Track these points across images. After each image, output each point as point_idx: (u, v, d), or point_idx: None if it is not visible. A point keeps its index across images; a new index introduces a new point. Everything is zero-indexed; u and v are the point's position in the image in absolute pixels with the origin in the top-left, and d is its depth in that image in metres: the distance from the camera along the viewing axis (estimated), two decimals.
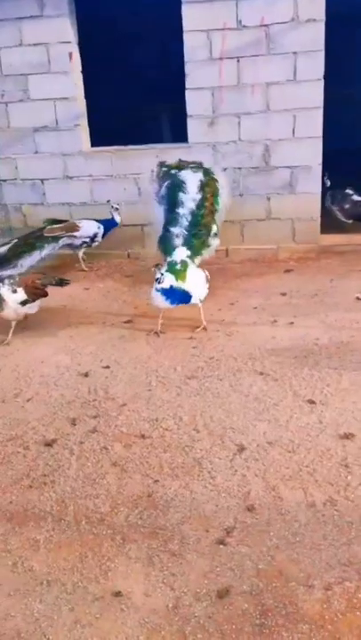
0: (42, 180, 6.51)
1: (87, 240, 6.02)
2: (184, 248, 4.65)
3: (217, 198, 5.16)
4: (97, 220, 6.06)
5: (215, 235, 5.01)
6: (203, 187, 5.16)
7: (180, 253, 4.56)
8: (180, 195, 5.08)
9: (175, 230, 4.86)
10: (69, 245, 6.01)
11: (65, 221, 5.98)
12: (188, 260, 4.52)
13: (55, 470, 2.90)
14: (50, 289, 4.60)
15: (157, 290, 4.24)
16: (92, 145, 6.45)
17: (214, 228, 4.99)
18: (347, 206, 6.37)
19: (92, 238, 6.02)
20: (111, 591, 2.18)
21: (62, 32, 6.00)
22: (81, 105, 6.27)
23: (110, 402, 3.50)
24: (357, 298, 4.90)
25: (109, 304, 5.24)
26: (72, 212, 6.47)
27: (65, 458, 2.99)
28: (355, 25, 8.46)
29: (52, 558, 2.36)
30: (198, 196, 5.08)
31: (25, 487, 2.79)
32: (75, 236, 5.93)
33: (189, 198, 5.04)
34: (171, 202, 5.08)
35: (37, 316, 4.90)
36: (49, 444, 3.10)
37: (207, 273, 4.59)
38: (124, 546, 2.39)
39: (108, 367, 3.95)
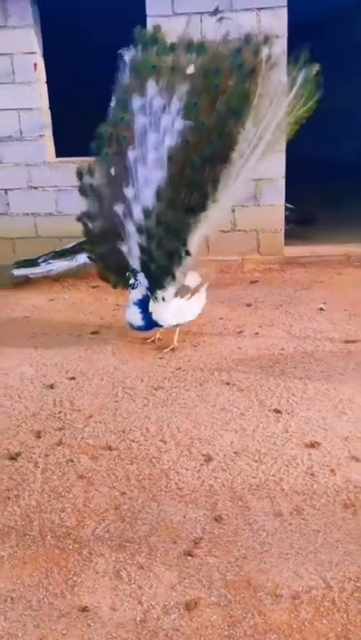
0: (5, 191, 6.43)
1: None
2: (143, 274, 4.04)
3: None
4: None
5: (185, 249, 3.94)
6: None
7: (136, 291, 4.03)
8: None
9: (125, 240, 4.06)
10: None
11: None
12: (148, 293, 4.07)
13: (19, 484, 2.84)
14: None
15: (134, 303, 4.05)
16: (57, 155, 6.42)
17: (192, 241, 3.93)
18: (286, 213, 6.65)
19: None
20: (78, 606, 2.14)
21: (27, 42, 5.97)
22: (45, 115, 6.24)
23: (76, 414, 3.46)
24: (321, 308, 4.98)
25: (75, 315, 5.20)
26: (37, 223, 6.41)
27: (30, 471, 2.94)
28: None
29: (16, 574, 2.30)
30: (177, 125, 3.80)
31: None
32: None
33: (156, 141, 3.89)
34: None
35: (0, 327, 4.84)
36: (13, 458, 3.04)
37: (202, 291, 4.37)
38: (90, 560, 2.36)
39: (73, 378, 3.90)
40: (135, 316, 4.07)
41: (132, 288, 4.03)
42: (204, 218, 3.93)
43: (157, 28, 4.14)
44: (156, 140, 3.90)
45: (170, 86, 3.85)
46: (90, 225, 4.23)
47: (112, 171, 4.07)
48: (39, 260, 5.46)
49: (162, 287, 4.07)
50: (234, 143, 3.81)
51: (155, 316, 4.09)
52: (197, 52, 3.87)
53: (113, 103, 4.10)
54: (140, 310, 4.06)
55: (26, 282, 5.85)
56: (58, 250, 5.66)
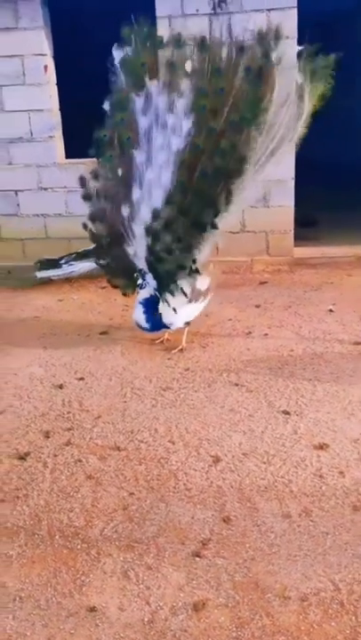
0: (16, 192, 6.47)
1: None
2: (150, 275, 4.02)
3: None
4: None
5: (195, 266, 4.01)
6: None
7: (144, 291, 4.02)
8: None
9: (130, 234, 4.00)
10: None
11: None
12: (157, 294, 4.05)
13: (28, 484, 2.85)
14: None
15: (141, 303, 4.04)
16: (67, 156, 6.45)
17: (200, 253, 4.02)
18: None
19: None
20: (86, 606, 2.14)
21: (37, 44, 6.00)
22: (55, 117, 6.27)
23: (85, 414, 3.47)
24: (330, 310, 4.96)
25: (84, 315, 5.21)
26: (47, 224, 6.44)
27: (38, 471, 2.95)
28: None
29: (24, 574, 2.31)
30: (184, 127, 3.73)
31: None
32: None
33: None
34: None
35: (10, 327, 4.86)
36: (22, 458, 3.05)
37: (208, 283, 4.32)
38: (98, 560, 2.36)
39: (82, 379, 3.91)
40: (143, 317, 4.07)
41: (140, 288, 4.03)
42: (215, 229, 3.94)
43: (145, 25, 4.05)
44: (162, 141, 3.85)
45: (171, 84, 3.81)
46: (96, 229, 4.22)
47: (118, 172, 4.05)
48: (61, 262, 5.45)
49: (171, 292, 4.07)
50: (247, 151, 3.77)
51: (164, 319, 4.09)
52: (200, 49, 3.81)
53: (108, 105, 4.08)
54: (147, 310, 4.05)
55: (47, 283, 5.86)
56: (80, 251, 5.64)
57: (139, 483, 2.81)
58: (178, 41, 3.86)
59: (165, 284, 4.05)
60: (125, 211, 3.99)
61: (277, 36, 3.75)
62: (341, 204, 7.74)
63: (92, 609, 2.12)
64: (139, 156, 3.91)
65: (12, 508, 2.69)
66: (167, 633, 2.02)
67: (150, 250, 3.95)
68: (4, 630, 2.06)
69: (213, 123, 3.76)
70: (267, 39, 3.73)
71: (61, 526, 2.55)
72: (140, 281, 4.01)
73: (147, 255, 3.98)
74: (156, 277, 4.03)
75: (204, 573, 2.26)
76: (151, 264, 3.99)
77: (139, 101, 3.89)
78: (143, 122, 3.88)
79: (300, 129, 3.88)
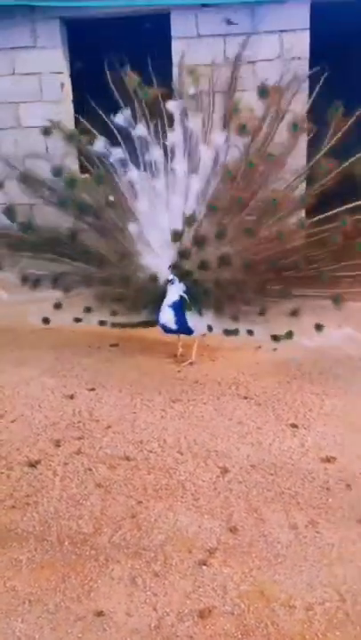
0: (30, 206, 6.57)
1: None
2: (180, 285, 4.11)
3: None
4: None
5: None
6: None
7: (174, 290, 4.10)
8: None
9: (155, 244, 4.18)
10: None
11: None
12: (186, 297, 4.11)
13: (39, 491, 2.89)
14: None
15: (169, 305, 4.07)
16: (81, 172, 6.55)
17: None
18: None
19: None
20: (93, 611, 2.17)
21: (54, 63, 6.16)
22: None
23: (95, 424, 3.51)
24: (340, 325, 4.97)
25: (95, 327, 5.25)
26: None
27: (49, 479, 2.99)
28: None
29: (34, 578, 2.35)
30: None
31: (8, 507, 2.78)
32: None
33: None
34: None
35: (23, 338, 4.92)
36: (33, 465, 3.10)
37: None
38: (107, 566, 2.39)
39: (93, 389, 3.96)
40: (173, 319, 4.09)
41: (171, 284, 4.06)
42: None
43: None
44: (162, 157, 4.15)
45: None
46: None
47: (110, 198, 4.29)
48: None
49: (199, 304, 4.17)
50: None
51: (190, 322, 4.15)
52: None
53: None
54: (177, 313, 4.08)
55: None
56: None
57: (147, 492, 2.85)
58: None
59: (197, 295, 4.14)
60: (133, 228, 4.17)
61: None
62: None
63: (100, 614, 2.16)
64: (133, 175, 4.21)
65: (23, 514, 2.73)
66: (173, 639, 2.05)
67: (183, 255, 4.08)
68: (13, 633, 2.10)
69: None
70: None
71: (70, 533, 2.59)
72: (170, 277, 4.06)
73: (177, 260, 4.10)
74: (186, 284, 4.13)
75: (211, 582, 2.29)
76: (180, 268, 4.11)
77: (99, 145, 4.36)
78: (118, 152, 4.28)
79: None
